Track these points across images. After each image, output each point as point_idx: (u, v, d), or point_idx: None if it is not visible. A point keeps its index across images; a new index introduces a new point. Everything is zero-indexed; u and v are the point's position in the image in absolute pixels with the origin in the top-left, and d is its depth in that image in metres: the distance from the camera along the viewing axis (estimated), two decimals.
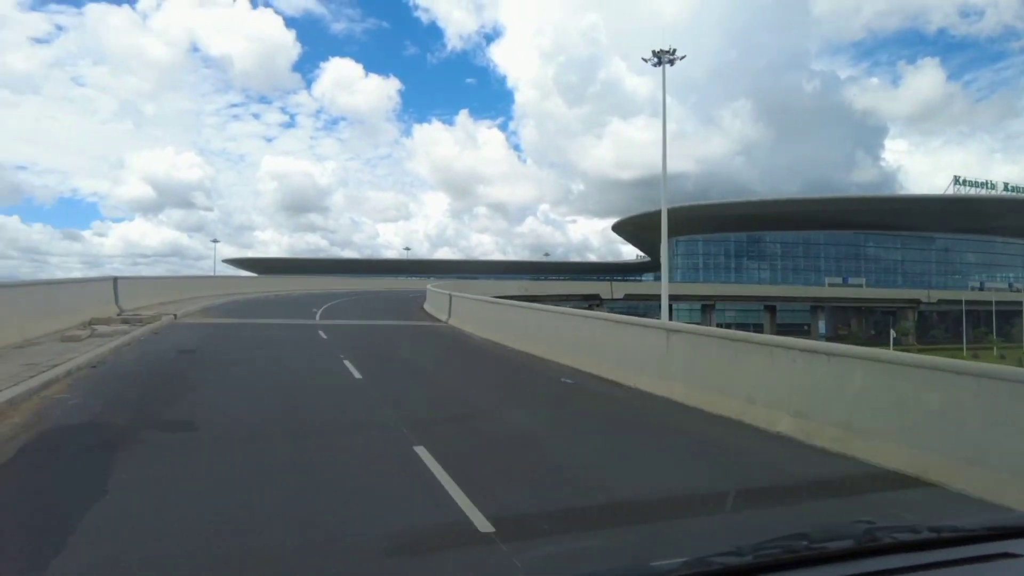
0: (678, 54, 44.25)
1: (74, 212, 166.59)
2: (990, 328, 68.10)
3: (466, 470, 5.18)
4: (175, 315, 19.12)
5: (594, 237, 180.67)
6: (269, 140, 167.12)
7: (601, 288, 60.74)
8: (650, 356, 9.60)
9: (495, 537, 3.87)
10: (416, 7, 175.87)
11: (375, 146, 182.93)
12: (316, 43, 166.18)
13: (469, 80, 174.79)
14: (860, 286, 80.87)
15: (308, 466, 5.44)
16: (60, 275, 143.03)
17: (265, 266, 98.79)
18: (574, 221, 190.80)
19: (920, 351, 39.17)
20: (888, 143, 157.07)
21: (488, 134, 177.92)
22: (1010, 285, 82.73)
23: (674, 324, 10.24)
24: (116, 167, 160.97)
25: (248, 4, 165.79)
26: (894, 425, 5.94)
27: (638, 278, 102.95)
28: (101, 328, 13.71)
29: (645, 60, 44.70)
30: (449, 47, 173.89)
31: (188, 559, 3.57)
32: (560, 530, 4.15)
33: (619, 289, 60.52)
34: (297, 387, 9.42)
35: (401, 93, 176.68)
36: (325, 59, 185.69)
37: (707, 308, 65.11)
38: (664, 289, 45.63)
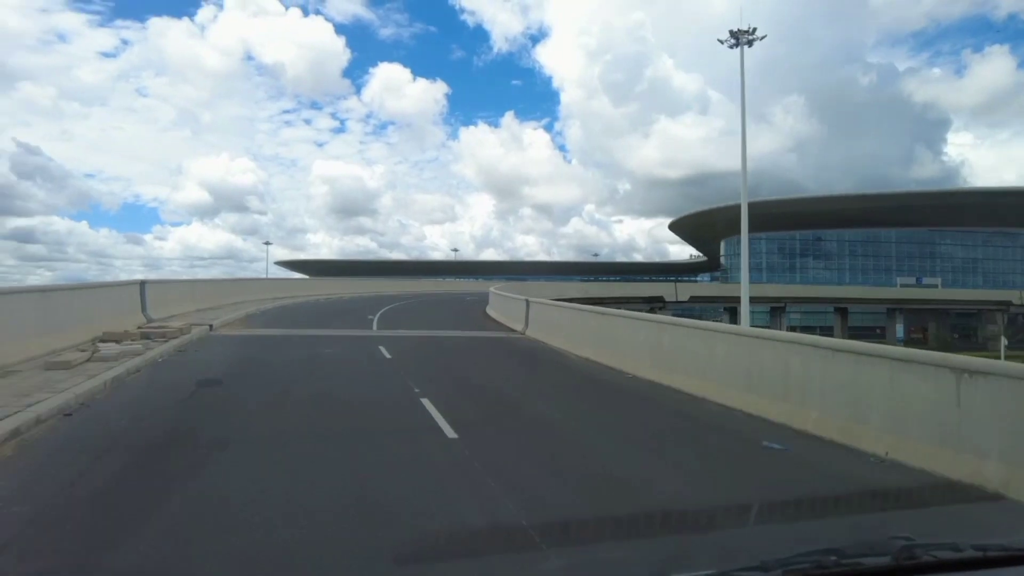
0: (758, 33, 40.00)
1: (136, 217, 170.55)
2: None
3: None
4: (211, 325, 16.00)
5: (640, 237, 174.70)
6: (320, 145, 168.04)
7: (664, 289, 56.31)
8: (932, 411, 5.72)
9: None
10: (462, 11, 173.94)
11: (422, 149, 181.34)
12: (365, 49, 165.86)
13: (515, 82, 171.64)
14: (935, 287, 74.20)
15: None
16: (124, 278, 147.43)
17: (316, 268, 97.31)
18: (620, 221, 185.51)
19: None
20: (951, 136, 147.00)
21: (534, 135, 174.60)
22: None
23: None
24: (175, 173, 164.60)
25: (300, 12, 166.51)
26: None
27: (693, 278, 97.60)
28: (108, 347, 10.51)
29: (721, 41, 40.44)
30: (495, 49, 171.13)
31: None
32: None
33: (684, 291, 55.96)
34: (365, 458, 5.81)
35: (448, 96, 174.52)
36: (374, 64, 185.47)
37: (776, 311, 59.93)
38: (744, 291, 41.24)
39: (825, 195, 72.43)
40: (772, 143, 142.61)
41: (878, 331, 68.40)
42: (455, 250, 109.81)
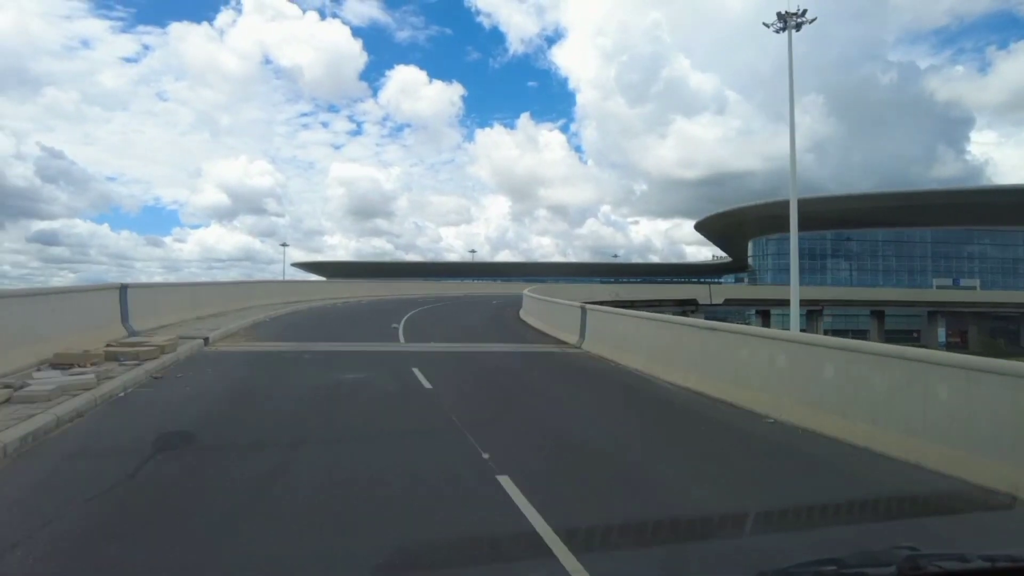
0: (808, 16, 36.71)
1: (156, 219, 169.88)
2: None
3: None
4: (206, 339, 12.99)
5: (656, 238, 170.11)
6: (337, 147, 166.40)
7: (698, 292, 52.84)
8: None
9: None
10: (478, 13, 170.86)
11: (438, 151, 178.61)
12: (382, 51, 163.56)
13: (531, 83, 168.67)
14: (973, 288, 70.03)
15: None
16: (144, 279, 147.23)
17: (332, 270, 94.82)
18: (636, 222, 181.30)
19: None
20: (974, 135, 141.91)
21: (549, 136, 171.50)
22: None
23: None
24: (194, 176, 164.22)
25: (317, 16, 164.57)
26: None
27: (716, 280, 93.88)
28: (46, 379, 7.47)
29: (767, 25, 37.16)
30: (511, 51, 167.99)
31: None
32: None
33: (718, 293, 52.38)
34: None
35: (464, 98, 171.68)
36: (390, 67, 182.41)
37: (813, 314, 56.19)
38: (794, 293, 37.76)
39: (858, 193, 68.54)
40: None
41: (914, 335, 64.46)
42: (472, 251, 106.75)
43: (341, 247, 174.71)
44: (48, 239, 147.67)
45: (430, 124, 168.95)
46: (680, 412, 8.32)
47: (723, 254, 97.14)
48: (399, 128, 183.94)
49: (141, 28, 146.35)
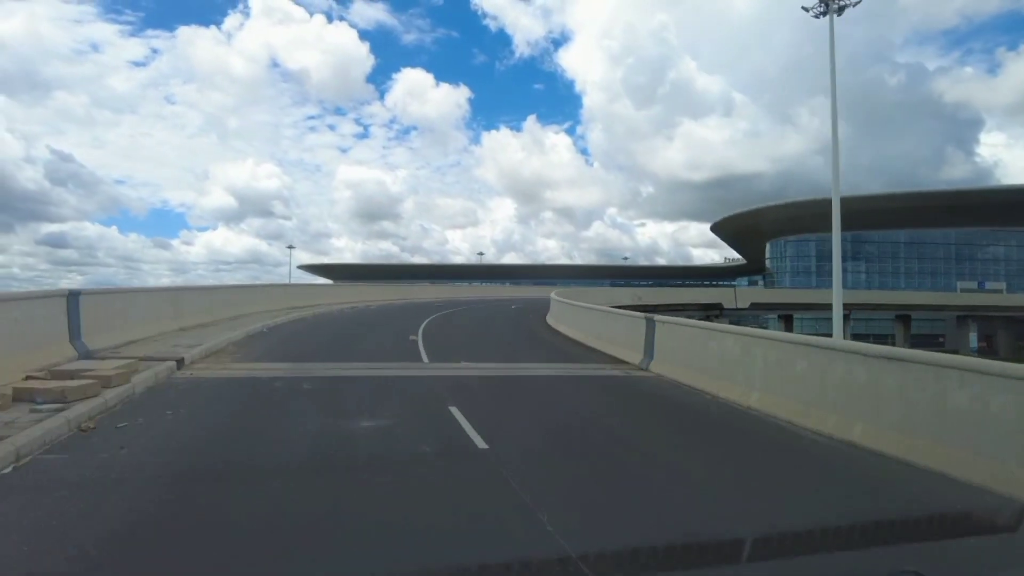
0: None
1: (164, 222, 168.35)
2: None
3: None
4: (180, 360, 10.04)
5: (663, 240, 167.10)
6: (344, 150, 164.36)
7: (723, 296, 49.75)
8: None
9: None
10: (484, 15, 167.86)
11: (445, 154, 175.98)
12: (388, 54, 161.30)
13: (537, 86, 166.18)
14: (999, 291, 66.80)
15: None
16: (151, 282, 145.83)
17: (340, 272, 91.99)
18: (643, 224, 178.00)
19: None
20: (983, 137, 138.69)
21: (556, 139, 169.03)
22: None
23: None
24: (202, 179, 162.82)
25: (324, 19, 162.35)
26: None
27: (730, 283, 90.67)
28: None
29: (807, 9, 33.98)
30: (517, 54, 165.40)
31: None
32: None
33: (743, 297, 49.19)
34: None
35: (470, 101, 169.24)
36: (397, 70, 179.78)
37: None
38: (837, 298, 34.48)
39: (880, 193, 65.23)
40: (799, 145, 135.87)
41: (940, 340, 61.25)
42: (480, 254, 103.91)
43: (348, 250, 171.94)
44: (57, 242, 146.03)
45: (437, 127, 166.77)
46: (902, 496, 5.25)
47: (735, 256, 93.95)
48: (406, 131, 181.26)
49: (150, 32, 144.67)
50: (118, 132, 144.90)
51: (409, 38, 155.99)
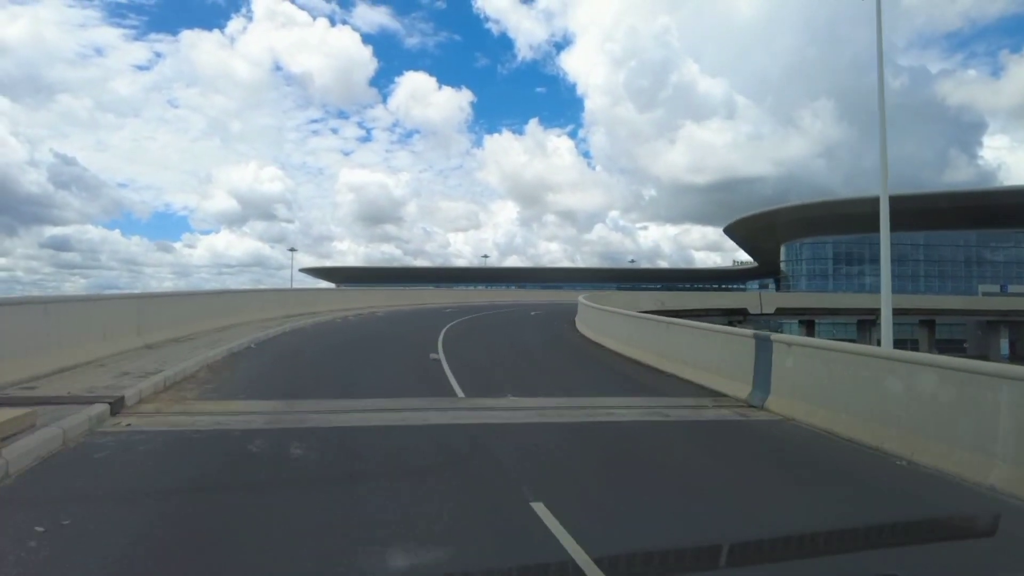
0: None
1: (167, 225, 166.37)
2: None
3: None
4: (117, 400, 6.85)
5: (666, 243, 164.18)
6: (347, 154, 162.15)
7: (747, 300, 46.55)
8: None
9: None
10: (487, 19, 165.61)
11: (447, 157, 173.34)
12: (391, 58, 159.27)
13: (539, 89, 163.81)
14: (1021, 295, 63.64)
15: None
16: (154, 285, 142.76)
17: (343, 275, 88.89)
18: (645, 228, 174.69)
19: None
20: (986, 140, 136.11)
21: (558, 142, 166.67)
22: None
23: None
24: (205, 182, 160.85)
25: (327, 23, 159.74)
26: None
27: (741, 286, 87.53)
28: None
29: None
30: (520, 57, 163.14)
31: None
32: None
33: (768, 301, 45.98)
34: None
35: (473, 104, 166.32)
36: (400, 73, 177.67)
37: (864, 324, 49.79)
38: (885, 303, 31.33)
39: (914, 192, 61.97)
40: (802, 148, 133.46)
41: (965, 345, 58.13)
42: (485, 256, 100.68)
43: (350, 253, 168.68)
44: (60, 245, 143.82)
45: (439, 130, 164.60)
46: None
47: (743, 260, 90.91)
48: (408, 134, 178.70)
49: (153, 36, 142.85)
50: (121, 135, 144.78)
51: (412, 42, 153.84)
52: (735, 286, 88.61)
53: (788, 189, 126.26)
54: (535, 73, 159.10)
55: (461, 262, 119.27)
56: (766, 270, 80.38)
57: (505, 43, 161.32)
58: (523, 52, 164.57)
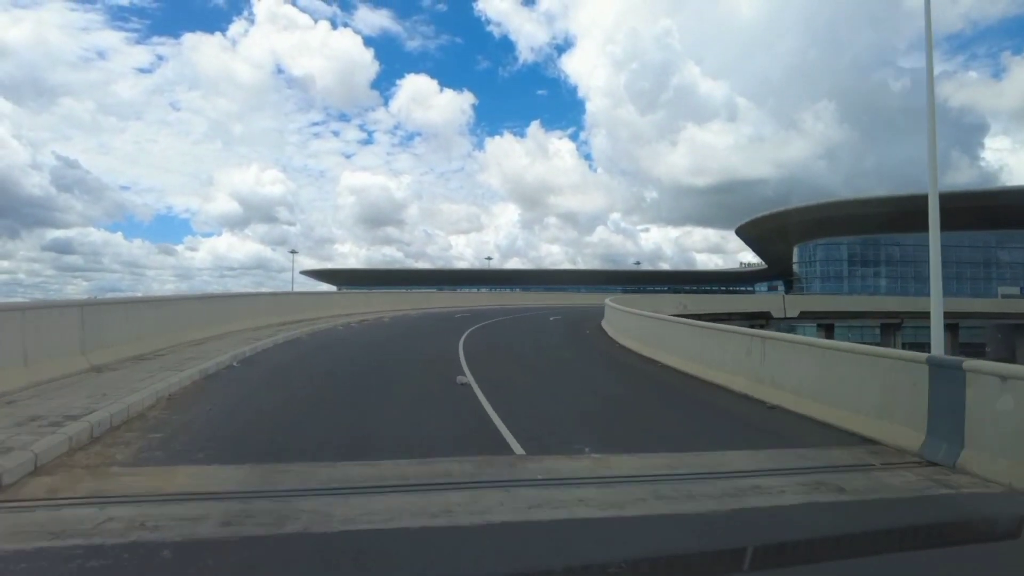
0: None
1: (169, 228, 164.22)
2: None
3: None
4: None
5: (667, 246, 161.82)
6: (348, 156, 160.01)
7: (770, 303, 43.88)
8: None
9: None
10: (488, 22, 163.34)
11: (448, 159, 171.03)
12: (393, 61, 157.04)
13: (540, 92, 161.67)
14: None
15: None
16: (156, 288, 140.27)
17: (344, 278, 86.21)
18: (646, 230, 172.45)
19: None
20: (988, 141, 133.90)
21: (559, 144, 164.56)
22: None
23: None
24: (206, 185, 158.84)
25: (328, 25, 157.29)
26: None
27: (749, 288, 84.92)
28: None
29: None
30: (521, 60, 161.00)
31: None
32: None
33: (792, 305, 43.25)
34: None
35: (474, 107, 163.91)
36: (401, 76, 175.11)
37: (889, 328, 47.13)
38: (936, 306, 28.66)
39: (918, 193, 59.46)
40: (803, 150, 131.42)
41: (987, 349, 55.49)
42: (489, 259, 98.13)
43: (352, 255, 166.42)
44: (63, 247, 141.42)
45: (441, 132, 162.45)
46: None
47: (748, 261, 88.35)
48: (410, 137, 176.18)
49: (156, 39, 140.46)
50: (124, 138, 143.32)
51: (413, 44, 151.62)
52: (742, 288, 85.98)
53: (789, 191, 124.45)
54: (536, 75, 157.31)
55: (463, 264, 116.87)
56: (775, 272, 77.79)
57: (506, 46, 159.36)
58: (524, 55, 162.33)
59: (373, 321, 22.30)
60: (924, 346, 46.83)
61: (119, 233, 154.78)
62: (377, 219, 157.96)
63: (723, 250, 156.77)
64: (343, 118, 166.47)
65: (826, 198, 64.89)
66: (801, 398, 7.98)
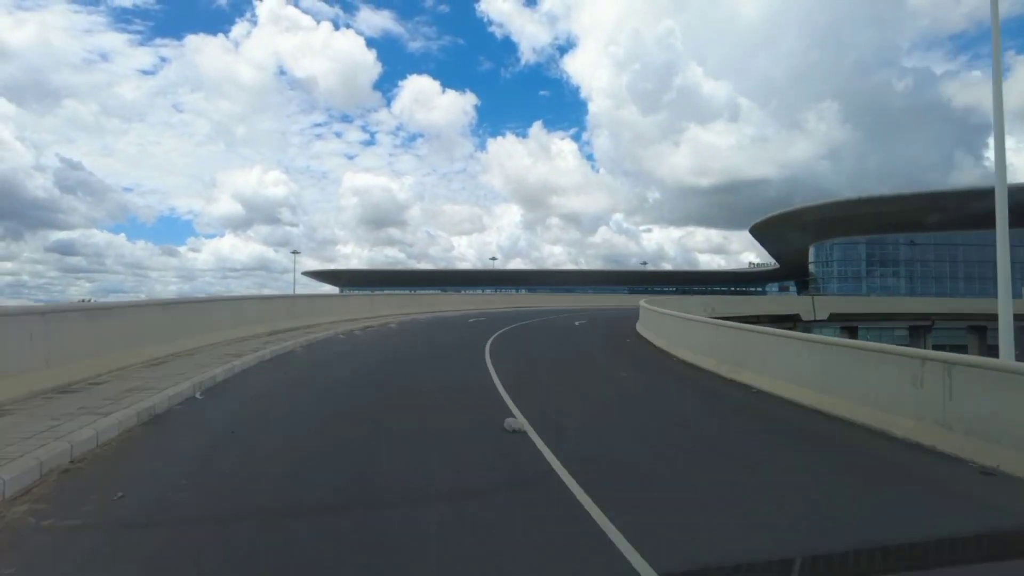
0: None
1: (172, 229, 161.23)
2: None
3: None
4: None
5: (669, 246, 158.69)
6: (351, 157, 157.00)
7: (799, 305, 40.96)
8: None
9: None
10: (490, 23, 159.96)
11: (451, 160, 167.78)
12: (395, 62, 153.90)
13: (543, 92, 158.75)
14: None
15: None
16: (158, 289, 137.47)
17: (347, 279, 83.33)
18: (649, 230, 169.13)
19: None
20: (992, 141, 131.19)
21: (561, 145, 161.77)
22: None
23: None
24: (209, 186, 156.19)
25: (331, 27, 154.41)
26: None
27: (759, 289, 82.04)
28: None
29: None
30: (523, 61, 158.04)
31: None
32: None
33: (822, 307, 40.30)
34: None
35: (477, 108, 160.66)
36: (404, 77, 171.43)
37: (917, 330, 44.18)
38: (1005, 307, 25.67)
39: (957, 189, 56.55)
40: (806, 150, 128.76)
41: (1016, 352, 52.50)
42: (494, 259, 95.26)
43: (354, 256, 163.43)
44: (66, 249, 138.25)
45: (443, 133, 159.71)
46: None
47: (757, 261, 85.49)
48: (412, 138, 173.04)
49: (158, 41, 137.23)
50: (127, 140, 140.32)
51: (415, 45, 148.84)
52: (752, 288, 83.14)
53: (792, 191, 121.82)
54: (539, 76, 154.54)
55: (465, 265, 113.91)
56: (787, 272, 74.94)
57: (509, 46, 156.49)
58: (526, 55, 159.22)
59: (379, 328, 19.40)
60: (957, 350, 44.12)
61: (122, 235, 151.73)
62: (379, 220, 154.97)
63: (726, 250, 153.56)
64: (345, 119, 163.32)
65: (838, 197, 62.00)
66: (934, 430, 5.10)
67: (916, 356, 6.86)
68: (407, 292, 58.18)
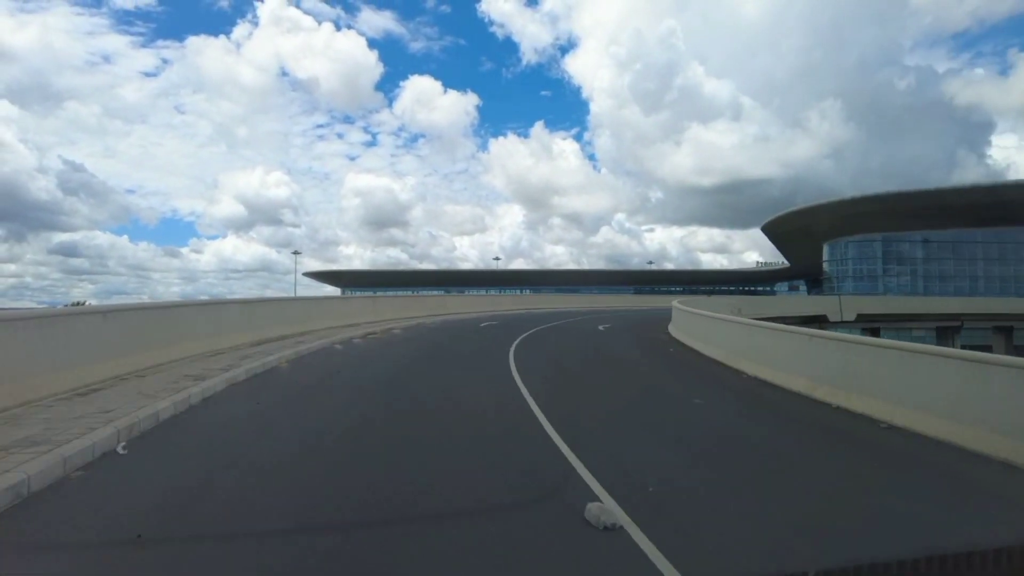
0: None
1: (174, 230, 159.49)
2: None
3: None
4: None
5: (672, 246, 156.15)
6: (352, 158, 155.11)
7: (826, 306, 38.43)
8: None
9: None
10: (492, 23, 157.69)
11: (453, 161, 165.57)
12: (397, 62, 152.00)
13: (544, 92, 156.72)
14: None
15: None
16: (161, 291, 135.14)
17: (349, 279, 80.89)
18: (651, 230, 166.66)
19: None
20: (995, 139, 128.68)
21: (563, 145, 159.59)
22: None
23: None
24: (211, 187, 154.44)
25: (332, 27, 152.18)
26: None
27: (768, 289, 79.51)
28: None
29: None
30: (524, 61, 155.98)
31: None
32: None
33: (849, 307, 37.74)
34: None
35: (478, 108, 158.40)
36: (405, 77, 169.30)
37: (945, 331, 41.63)
38: None
39: (973, 184, 54.04)
40: (809, 150, 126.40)
41: None
42: (497, 259, 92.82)
43: (356, 257, 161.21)
44: (69, 251, 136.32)
45: (445, 134, 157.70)
46: None
47: (763, 260, 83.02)
48: (414, 138, 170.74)
49: (160, 43, 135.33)
50: (129, 142, 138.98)
51: (417, 46, 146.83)
52: (760, 288, 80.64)
53: (795, 191, 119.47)
54: (540, 76, 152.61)
55: (467, 265, 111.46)
56: (797, 271, 72.41)
57: (510, 47, 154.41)
58: (528, 56, 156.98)
59: (381, 336, 16.91)
60: (982, 351, 41.17)
61: (125, 236, 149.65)
62: (381, 221, 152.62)
63: (728, 250, 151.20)
64: (347, 120, 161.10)
65: (854, 193, 59.44)
66: None
67: None
68: (409, 293, 55.78)
